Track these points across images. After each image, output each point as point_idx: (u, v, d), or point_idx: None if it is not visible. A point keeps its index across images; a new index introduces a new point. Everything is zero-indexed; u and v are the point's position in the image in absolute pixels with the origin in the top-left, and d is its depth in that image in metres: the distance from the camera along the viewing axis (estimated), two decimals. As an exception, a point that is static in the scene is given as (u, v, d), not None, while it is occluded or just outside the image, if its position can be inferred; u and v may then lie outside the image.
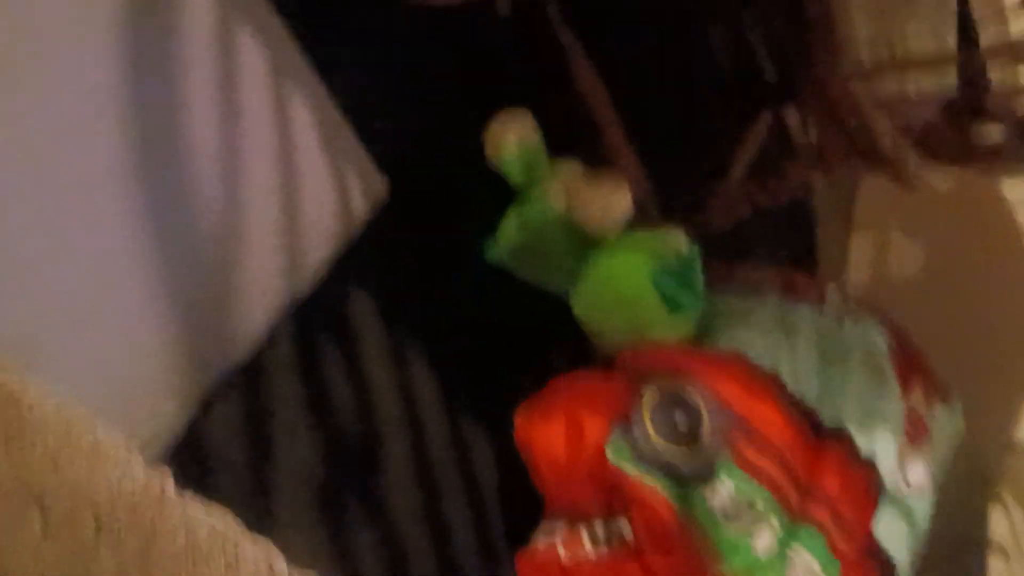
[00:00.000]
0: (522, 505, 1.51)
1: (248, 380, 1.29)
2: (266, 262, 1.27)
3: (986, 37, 1.61)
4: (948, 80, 1.59)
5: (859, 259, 2.34)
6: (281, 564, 0.77)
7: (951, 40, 1.62)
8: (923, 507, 1.55)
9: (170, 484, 0.76)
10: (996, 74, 1.55)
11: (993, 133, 1.45)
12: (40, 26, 1.01)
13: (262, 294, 1.27)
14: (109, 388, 1.09)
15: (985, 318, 2.19)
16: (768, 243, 1.97)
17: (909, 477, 1.53)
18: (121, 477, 0.73)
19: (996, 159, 1.45)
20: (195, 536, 0.74)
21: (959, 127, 1.49)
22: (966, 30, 1.61)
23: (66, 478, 0.71)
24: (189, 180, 1.16)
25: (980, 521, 2.08)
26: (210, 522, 0.76)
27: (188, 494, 0.76)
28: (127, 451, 0.75)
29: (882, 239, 2.34)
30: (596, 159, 1.62)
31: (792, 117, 1.94)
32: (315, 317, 1.37)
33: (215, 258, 1.21)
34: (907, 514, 1.51)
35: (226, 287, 1.22)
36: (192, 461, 1.21)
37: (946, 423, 1.64)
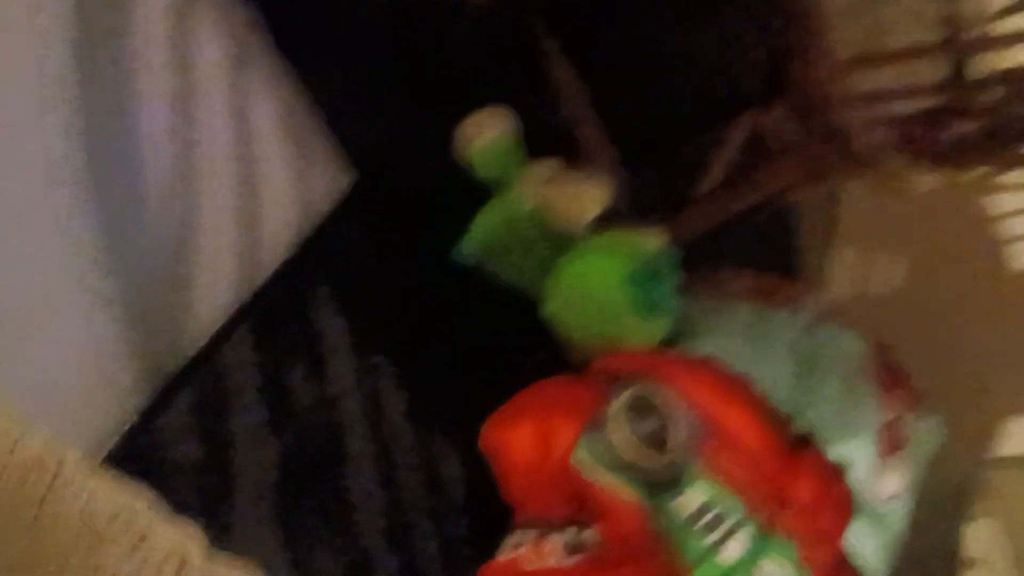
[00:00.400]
0: (490, 515, 1.48)
1: (203, 376, 1.26)
2: (223, 253, 1.24)
3: (967, 33, 1.59)
4: (928, 76, 1.57)
5: (840, 270, 2.34)
6: (198, 550, 0.74)
7: (933, 33, 1.61)
8: (897, 518, 1.54)
9: (71, 458, 0.72)
10: (976, 70, 1.53)
11: (971, 130, 1.44)
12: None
13: (218, 286, 1.25)
14: (56, 381, 1.07)
15: (964, 333, 2.20)
16: (748, 252, 1.95)
17: (884, 487, 1.51)
18: (11, 449, 0.69)
19: (973, 157, 1.43)
20: (94, 515, 0.70)
21: (938, 125, 1.47)
22: (948, 25, 1.59)
23: None
24: (143, 169, 1.14)
25: (954, 535, 2.08)
26: (117, 501, 0.72)
27: (97, 472, 0.73)
28: (22, 423, 0.71)
29: (864, 251, 2.34)
30: (572, 160, 1.59)
31: (771, 121, 1.93)
32: (274, 311, 1.34)
33: (170, 249, 1.19)
34: (880, 524, 1.50)
35: (181, 278, 1.20)
36: (142, 459, 1.18)
37: (923, 434, 1.63)
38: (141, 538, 0.71)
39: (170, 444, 1.21)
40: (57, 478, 0.70)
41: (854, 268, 2.33)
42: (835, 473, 1.45)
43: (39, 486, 0.69)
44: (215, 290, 1.26)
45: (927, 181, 1.46)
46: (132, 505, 0.73)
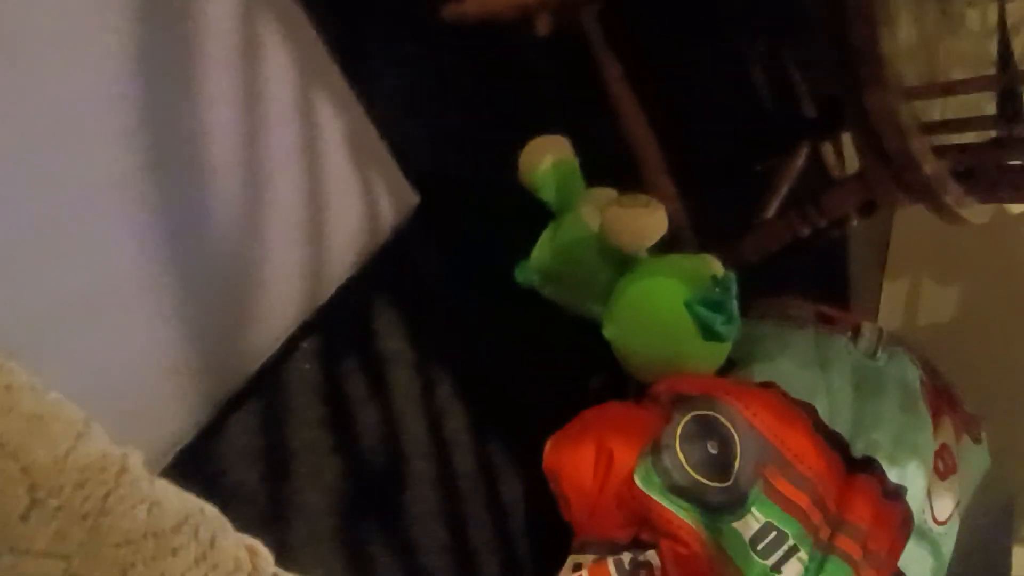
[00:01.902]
0: (550, 536, 1.49)
1: (264, 392, 1.26)
2: (288, 270, 1.25)
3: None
4: (985, 109, 1.58)
5: (891, 300, 2.33)
6: (267, 561, 0.73)
7: (991, 67, 1.62)
8: (948, 541, 1.55)
9: (135, 461, 0.70)
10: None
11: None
12: (60, 25, 1.00)
13: (283, 303, 1.25)
14: (119, 391, 1.07)
15: (1013, 361, 2.19)
16: (801, 280, 1.95)
17: (936, 512, 1.52)
18: (69, 449, 0.67)
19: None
20: (159, 521, 0.68)
21: (996, 155, 1.48)
22: (1005, 58, 1.60)
23: None
24: (212, 183, 1.15)
25: (1003, 558, 2.07)
26: (183, 508, 0.70)
27: (160, 479, 0.71)
28: (82, 425, 0.70)
29: (914, 281, 2.33)
30: (632, 186, 1.60)
31: (829, 152, 1.94)
32: (336, 329, 1.35)
33: (236, 264, 1.19)
34: (933, 548, 1.51)
35: (247, 293, 1.20)
36: (200, 474, 1.18)
37: (974, 459, 1.64)
38: (209, 546, 0.70)
39: (230, 461, 1.21)
40: (121, 479, 0.69)
41: (905, 296, 2.33)
42: (893, 496, 1.45)
43: (100, 489, 0.67)
44: (279, 307, 1.26)
45: (983, 211, 1.46)
46: (199, 512, 0.72)
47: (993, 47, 1.64)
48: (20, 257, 0.96)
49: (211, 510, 0.72)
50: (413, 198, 1.42)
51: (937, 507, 1.53)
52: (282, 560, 0.79)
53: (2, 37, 0.94)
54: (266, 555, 0.73)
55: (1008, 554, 2.08)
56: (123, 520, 0.67)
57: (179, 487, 0.72)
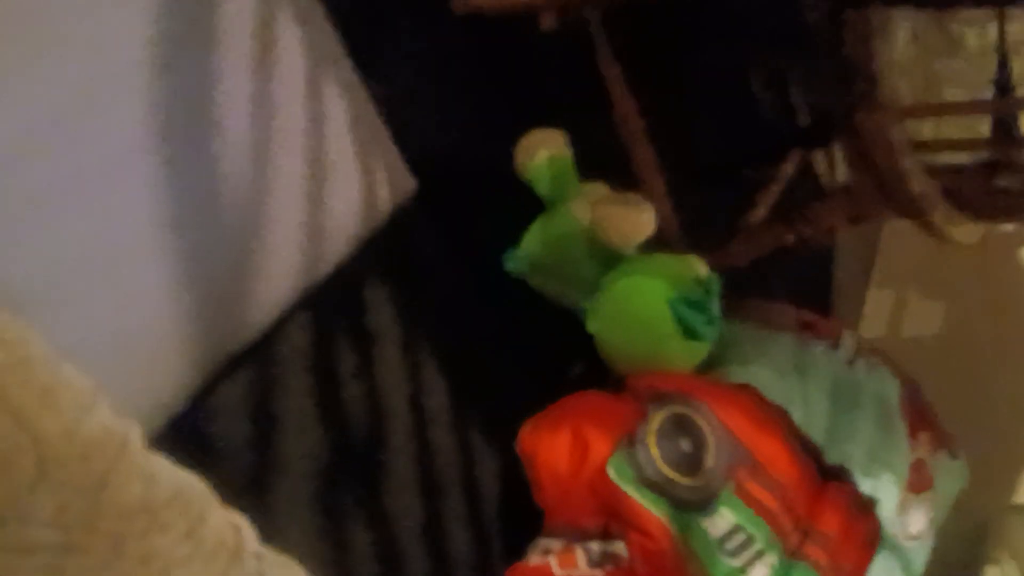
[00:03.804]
0: (522, 519, 1.50)
1: (256, 362, 1.27)
2: (287, 246, 1.26)
3: (1017, 91, 1.62)
4: (980, 129, 1.59)
5: (874, 310, 2.34)
6: (251, 539, 0.73)
7: (988, 88, 1.63)
8: (919, 557, 1.55)
9: (135, 438, 0.71)
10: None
11: (1016, 185, 1.46)
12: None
13: (279, 277, 1.27)
14: (115, 355, 1.08)
15: (993, 380, 2.20)
16: (785, 286, 1.97)
17: (909, 526, 1.53)
18: (77, 422, 0.67)
19: (1016, 210, 1.46)
20: (152, 496, 0.69)
21: (988, 177, 1.49)
22: (1003, 80, 1.62)
23: (9, 411, 0.65)
24: (217, 156, 1.16)
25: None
26: (175, 484, 0.70)
27: (156, 454, 0.71)
28: (90, 398, 0.70)
29: (899, 293, 2.34)
30: (625, 184, 1.62)
31: (821, 161, 1.95)
32: (330, 306, 1.36)
33: (237, 236, 1.20)
34: (903, 562, 1.52)
35: (245, 266, 1.22)
36: (190, 436, 1.20)
37: (949, 475, 1.64)
38: (197, 523, 0.71)
39: (219, 424, 1.23)
40: (121, 453, 0.69)
41: (889, 308, 2.34)
42: (863, 508, 1.46)
43: (102, 463, 0.68)
44: (276, 281, 1.28)
45: (971, 231, 1.48)
46: (191, 488, 0.73)
47: (990, 67, 1.65)
48: (27, 220, 0.98)
49: (200, 486, 0.72)
50: (411, 183, 1.44)
51: (910, 521, 1.54)
52: (258, 522, 0.80)
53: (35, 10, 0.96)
54: (250, 533, 0.74)
55: (980, 573, 2.09)
56: (120, 494, 0.67)
57: (172, 460, 0.72)
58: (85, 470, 0.67)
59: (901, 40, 1.40)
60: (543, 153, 1.56)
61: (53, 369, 0.69)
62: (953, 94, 1.57)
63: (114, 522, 0.67)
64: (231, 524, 0.72)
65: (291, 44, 1.24)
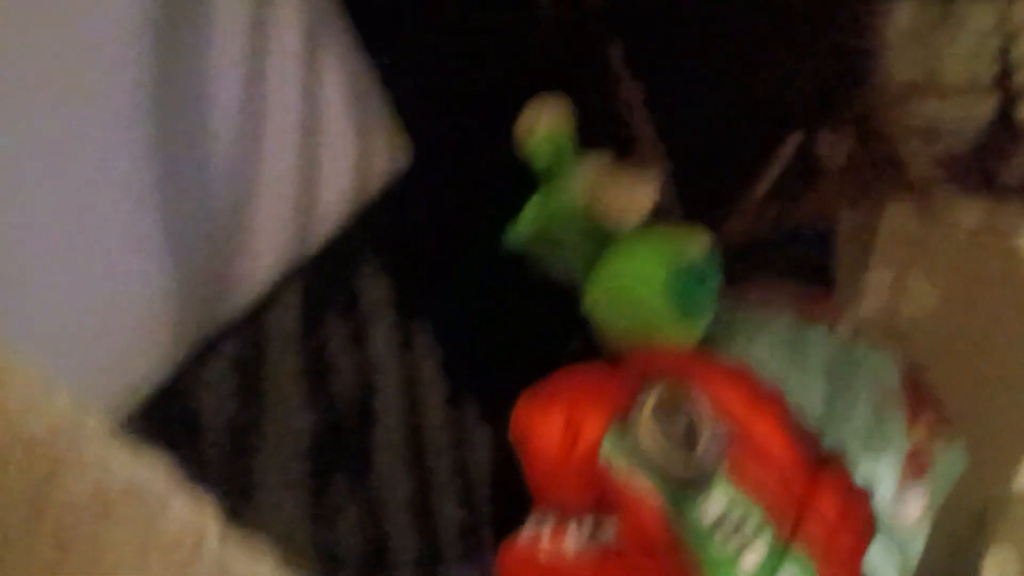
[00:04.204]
0: (515, 496, 1.49)
1: (245, 336, 1.26)
2: (278, 217, 1.25)
3: (1020, 73, 1.60)
4: (981, 110, 1.58)
5: (874, 291, 2.33)
6: (214, 529, 0.71)
7: (989, 70, 1.62)
8: (916, 542, 1.54)
9: (91, 428, 0.68)
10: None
11: (1018, 168, 1.45)
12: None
13: (270, 249, 1.26)
14: (101, 326, 1.07)
15: (993, 364, 2.19)
16: (785, 265, 1.96)
17: (906, 511, 1.52)
18: (24, 411, 0.65)
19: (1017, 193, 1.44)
20: (107, 486, 0.66)
21: (988, 160, 1.48)
22: (1005, 62, 1.60)
23: None
24: (208, 124, 1.15)
25: (973, 562, 2.08)
26: (132, 473, 0.68)
27: (118, 438, 0.69)
28: (42, 384, 0.67)
29: (899, 274, 2.33)
30: (623, 158, 1.60)
31: (822, 141, 1.93)
32: (321, 280, 1.35)
33: (227, 206, 1.20)
34: (899, 547, 1.51)
35: (235, 237, 1.21)
36: (174, 413, 1.19)
37: (948, 460, 1.63)
38: (154, 515, 0.68)
39: (204, 401, 1.21)
40: (70, 449, 0.66)
41: (888, 290, 2.33)
42: (859, 493, 1.45)
43: (50, 451, 0.65)
44: (267, 255, 1.27)
45: (972, 213, 1.47)
46: (147, 478, 0.70)
47: (993, 48, 1.64)
48: (18, 191, 0.96)
49: (161, 475, 0.70)
50: (408, 154, 1.43)
51: (907, 507, 1.53)
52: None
53: None
54: (214, 522, 0.71)
55: (979, 561, 2.09)
56: (67, 489, 0.65)
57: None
58: (32, 463, 0.64)
59: (902, 21, 1.38)
60: (543, 124, 1.54)
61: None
62: (954, 75, 1.55)
63: (60, 518, 0.64)
64: (193, 514, 0.70)
65: (287, 10, 1.22)
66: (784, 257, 1.94)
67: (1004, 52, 1.62)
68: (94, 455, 0.67)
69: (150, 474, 0.69)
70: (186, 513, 0.69)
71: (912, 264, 2.30)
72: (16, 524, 0.63)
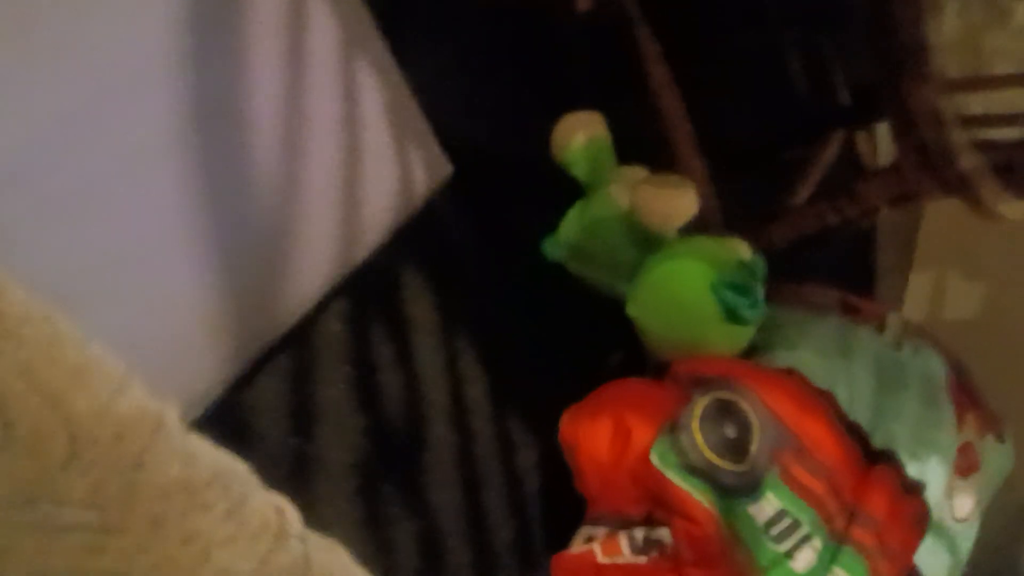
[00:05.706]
0: (564, 507, 1.49)
1: (294, 351, 1.28)
2: (323, 233, 1.25)
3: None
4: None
5: (917, 292, 2.33)
6: (294, 521, 0.72)
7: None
8: (966, 540, 1.54)
9: (171, 416, 0.70)
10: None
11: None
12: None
13: (316, 265, 1.26)
14: (154, 342, 1.07)
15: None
16: (827, 269, 1.95)
17: (956, 509, 1.51)
18: (109, 401, 0.67)
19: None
20: (192, 476, 0.68)
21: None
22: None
23: (39, 391, 0.65)
24: (251, 142, 1.15)
25: (1018, 561, 2.07)
26: (214, 464, 0.70)
27: (193, 435, 0.71)
28: (122, 378, 0.69)
29: (941, 274, 2.32)
30: (663, 167, 1.60)
31: (863, 141, 1.93)
32: (367, 294, 1.36)
33: (273, 224, 1.19)
34: (950, 545, 1.50)
35: (281, 253, 1.21)
36: (226, 428, 1.19)
37: (997, 458, 1.62)
38: (239, 504, 0.70)
39: (255, 416, 1.23)
40: (156, 433, 0.68)
41: (932, 288, 2.32)
42: (911, 491, 1.45)
43: (137, 442, 0.67)
44: (312, 268, 1.27)
45: (1020, 208, 1.45)
46: (231, 469, 0.72)
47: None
48: (67, 210, 0.97)
49: (241, 468, 0.72)
50: (447, 168, 1.43)
51: (957, 504, 1.53)
52: (303, 515, 0.79)
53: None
54: (293, 515, 0.73)
55: (1022, 557, 2.08)
56: (157, 474, 0.67)
57: (211, 443, 0.72)
58: (119, 450, 0.66)
59: (949, 14, 1.37)
60: (580, 136, 1.54)
61: (83, 348, 0.69)
62: (1002, 68, 1.54)
63: (152, 502, 0.66)
64: (274, 506, 0.71)
65: (324, 28, 1.23)
66: (827, 261, 1.94)
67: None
68: (178, 444, 0.69)
69: (231, 467, 0.71)
70: (268, 504, 0.71)
71: (955, 264, 2.29)
72: (113, 503, 0.65)
